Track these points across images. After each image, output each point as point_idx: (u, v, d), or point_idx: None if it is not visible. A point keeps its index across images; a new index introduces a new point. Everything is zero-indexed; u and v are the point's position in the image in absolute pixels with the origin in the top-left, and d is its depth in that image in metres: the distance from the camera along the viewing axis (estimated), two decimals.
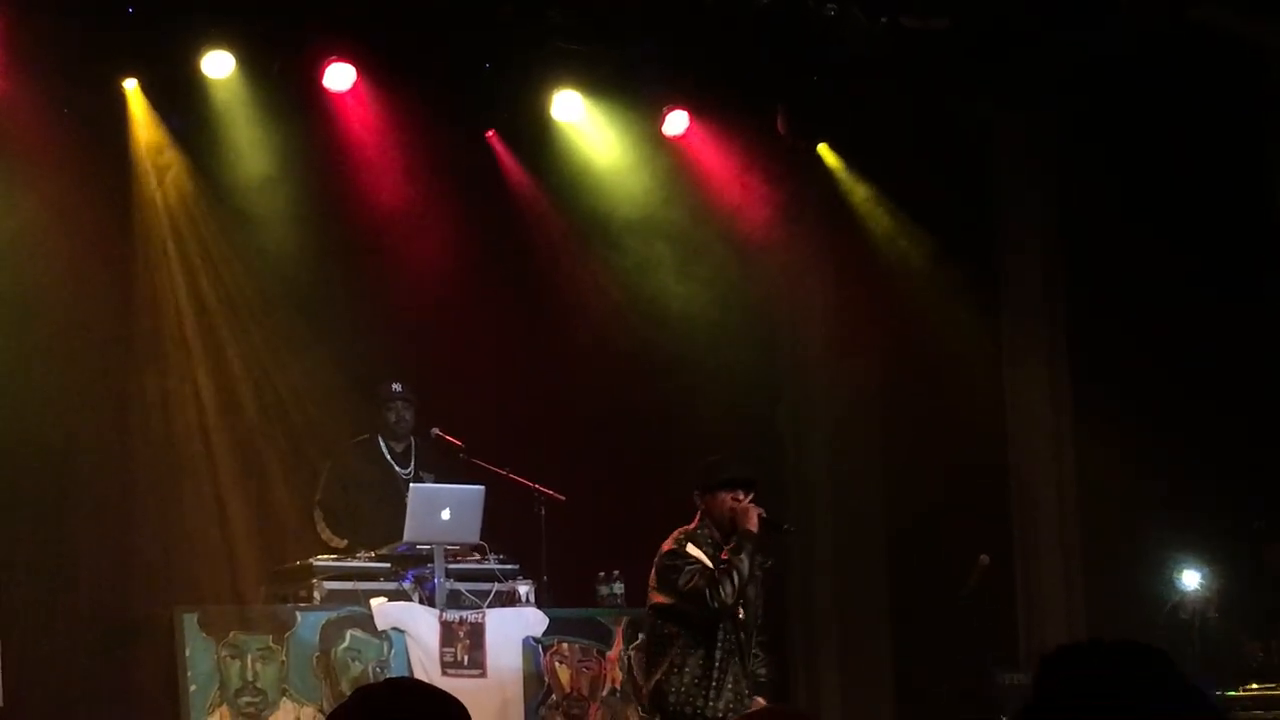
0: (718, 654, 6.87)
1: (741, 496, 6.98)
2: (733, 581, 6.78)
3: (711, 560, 6.90)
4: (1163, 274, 10.24)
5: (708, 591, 6.78)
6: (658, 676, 6.88)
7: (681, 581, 6.85)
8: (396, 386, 9.51)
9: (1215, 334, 9.92)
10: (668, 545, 6.99)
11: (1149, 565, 10.02)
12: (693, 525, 7.03)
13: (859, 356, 11.54)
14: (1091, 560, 10.76)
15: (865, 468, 11.55)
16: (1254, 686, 8.60)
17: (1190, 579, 9.71)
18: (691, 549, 6.92)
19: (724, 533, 6.97)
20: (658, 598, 6.97)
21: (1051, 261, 11.07)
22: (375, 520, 9.07)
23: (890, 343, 11.30)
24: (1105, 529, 10.64)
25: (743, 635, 6.99)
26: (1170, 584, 9.80)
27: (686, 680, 6.83)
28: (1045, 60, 10.23)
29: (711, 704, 6.81)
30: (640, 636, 9.01)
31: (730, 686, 6.87)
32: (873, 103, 10.53)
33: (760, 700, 6.98)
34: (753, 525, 6.92)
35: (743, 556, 6.83)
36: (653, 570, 7.01)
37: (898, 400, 11.42)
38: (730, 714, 6.83)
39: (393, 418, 9.48)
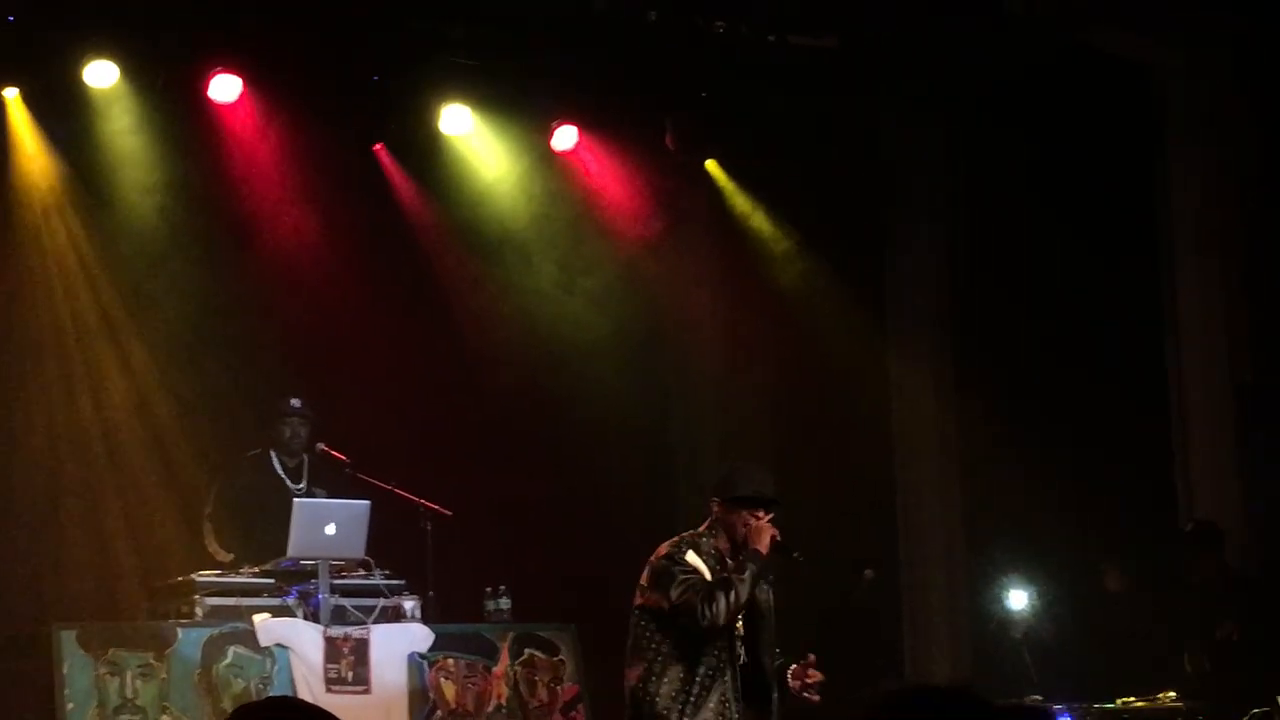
0: (700, 670, 6.46)
1: (760, 515, 6.57)
2: (728, 599, 6.38)
3: (711, 573, 6.51)
4: (1049, 289, 10.41)
5: (699, 607, 6.37)
6: (634, 681, 6.50)
7: (674, 592, 6.43)
8: (295, 402, 9.41)
9: (1105, 347, 10.09)
10: (666, 548, 6.58)
11: (1032, 576, 10.16)
12: (700, 530, 6.63)
13: (750, 369, 11.60)
14: (977, 570, 10.88)
15: None
16: (1132, 700, 8.67)
17: (1018, 599, 9.86)
18: (691, 557, 6.50)
19: (733, 546, 6.58)
20: (647, 599, 6.54)
21: (939, 276, 11.21)
22: (266, 535, 8.95)
23: (781, 355, 11.37)
24: (991, 539, 10.77)
25: (740, 650, 6.60)
26: (1000, 603, 9.95)
27: (664, 690, 6.44)
28: (935, 77, 10.36)
29: (687, 718, 6.41)
30: (526, 652, 9.04)
31: (714, 705, 6.47)
32: (761, 119, 10.61)
33: None
34: (763, 547, 6.52)
35: (745, 577, 6.44)
36: (646, 570, 6.58)
37: (788, 412, 11.49)
38: None
39: (287, 433, 9.38)
